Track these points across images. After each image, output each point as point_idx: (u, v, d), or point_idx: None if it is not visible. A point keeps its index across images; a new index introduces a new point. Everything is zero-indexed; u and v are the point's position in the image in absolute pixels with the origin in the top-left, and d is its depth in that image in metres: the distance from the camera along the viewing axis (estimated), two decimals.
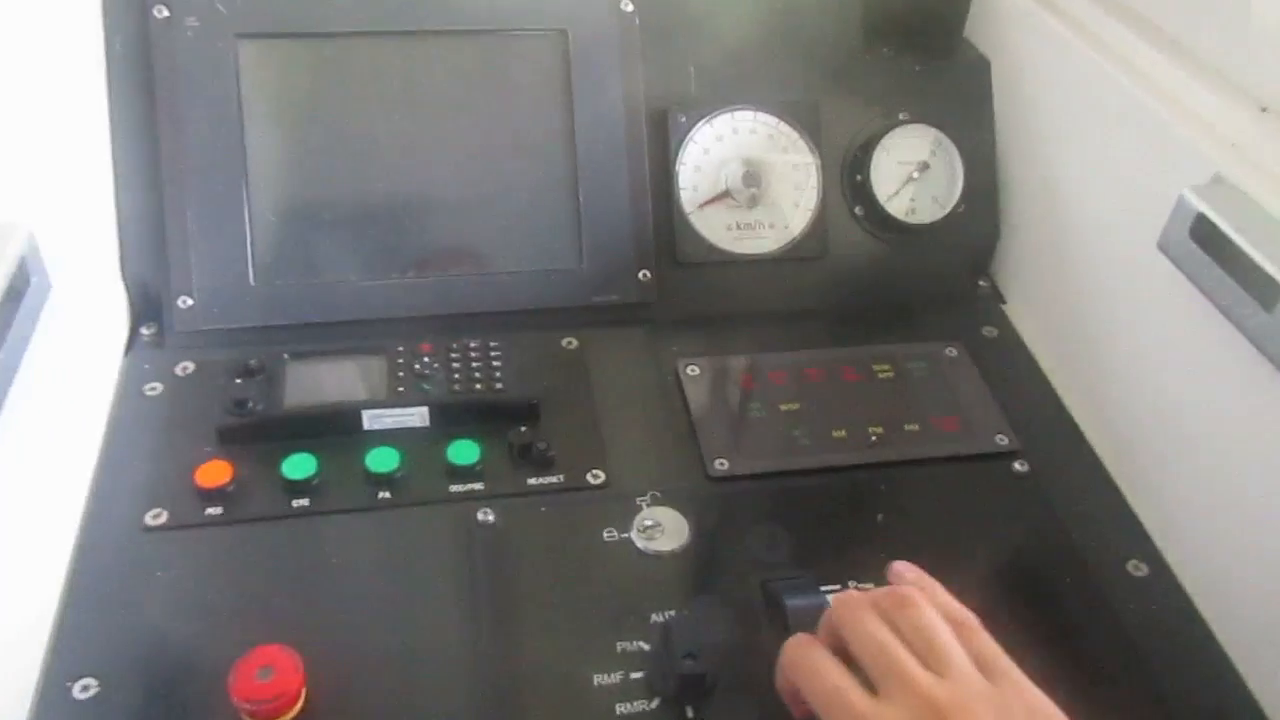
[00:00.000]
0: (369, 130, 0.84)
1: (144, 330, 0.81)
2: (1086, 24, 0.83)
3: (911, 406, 0.81)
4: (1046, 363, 0.87)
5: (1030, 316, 0.91)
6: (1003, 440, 0.79)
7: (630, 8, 0.88)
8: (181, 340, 0.80)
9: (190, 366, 0.79)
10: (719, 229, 0.89)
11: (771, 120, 0.90)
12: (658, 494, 0.72)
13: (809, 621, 0.59)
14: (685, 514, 0.71)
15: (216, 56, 0.81)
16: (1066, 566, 0.70)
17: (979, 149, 0.92)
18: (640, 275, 0.87)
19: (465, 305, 0.84)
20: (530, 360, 0.79)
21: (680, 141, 0.88)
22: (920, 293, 0.92)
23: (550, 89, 0.86)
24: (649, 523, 0.70)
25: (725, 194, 0.89)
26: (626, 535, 0.69)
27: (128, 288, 0.82)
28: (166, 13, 0.81)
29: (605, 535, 0.69)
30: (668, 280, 0.88)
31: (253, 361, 0.75)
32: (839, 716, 0.50)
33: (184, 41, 0.81)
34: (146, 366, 0.78)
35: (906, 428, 0.79)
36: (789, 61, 0.91)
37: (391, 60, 0.84)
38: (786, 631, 0.60)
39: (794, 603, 0.63)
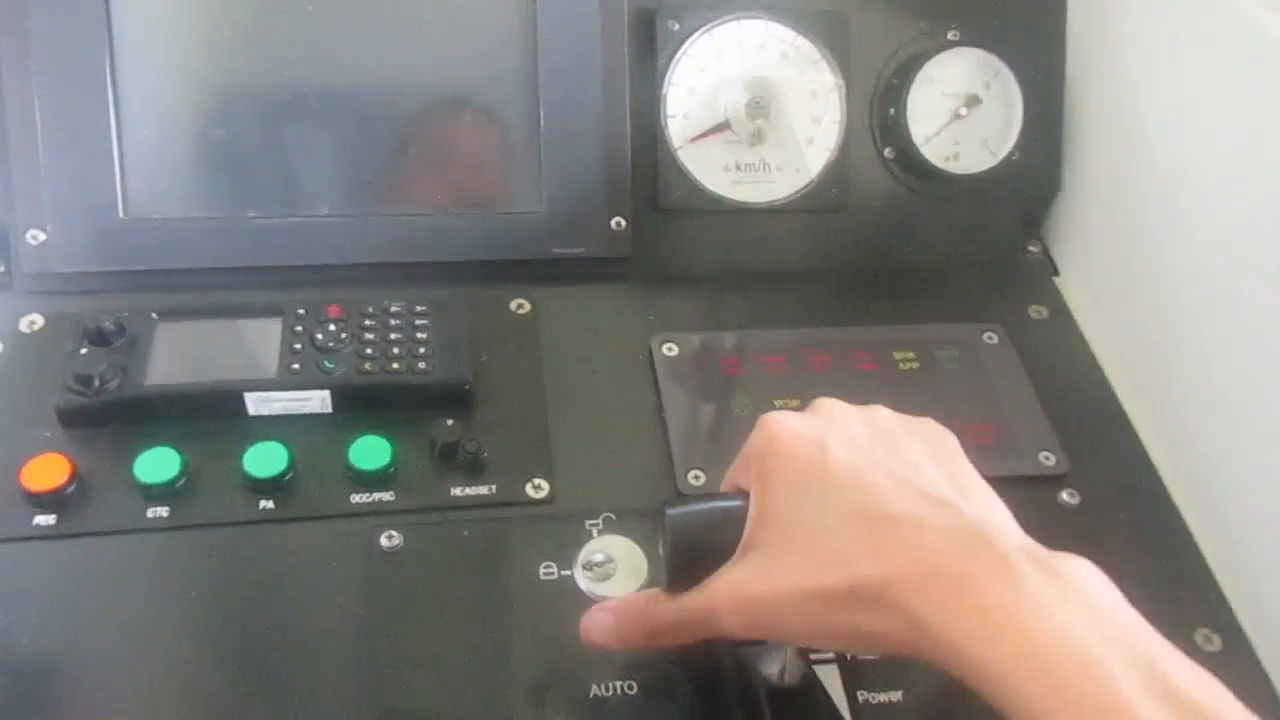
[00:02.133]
0: (274, 18, 0.66)
1: None
2: None
3: (937, 409, 0.64)
4: (1106, 358, 0.71)
5: (1089, 295, 0.74)
6: (1048, 460, 0.63)
7: None
8: (32, 284, 0.64)
9: (39, 321, 0.63)
10: (714, 169, 0.72)
11: (787, 33, 0.71)
12: (612, 516, 0.57)
13: (692, 537, 0.45)
14: (644, 546, 0.56)
15: None
16: None
17: (1044, 81, 0.74)
18: (613, 223, 0.70)
19: (390, 253, 0.68)
20: (466, 329, 0.63)
21: (671, 56, 0.70)
22: (957, 257, 0.75)
23: None
24: (599, 557, 0.55)
25: (724, 125, 0.71)
26: (568, 573, 0.55)
27: None
28: None
29: (543, 571, 0.55)
30: (646, 231, 0.71)
31: (108, 323, 0.59)
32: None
33: None
34: None
35: (920, 418, 0.63)
36: None
37: None
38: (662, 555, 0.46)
39: (674, 512, 0.46)
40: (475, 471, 0.58)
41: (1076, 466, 0.63)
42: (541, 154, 0.69)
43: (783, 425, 0.46)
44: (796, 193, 0.72)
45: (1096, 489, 0.62)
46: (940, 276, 0.74)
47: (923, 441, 0.47)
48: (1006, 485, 0.62)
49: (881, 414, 0.48)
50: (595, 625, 0.49)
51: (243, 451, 0.56)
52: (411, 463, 0.58)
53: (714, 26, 0.70)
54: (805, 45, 0.71)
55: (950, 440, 0.48)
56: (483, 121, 0.69)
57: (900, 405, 0.65)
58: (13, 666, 0.49)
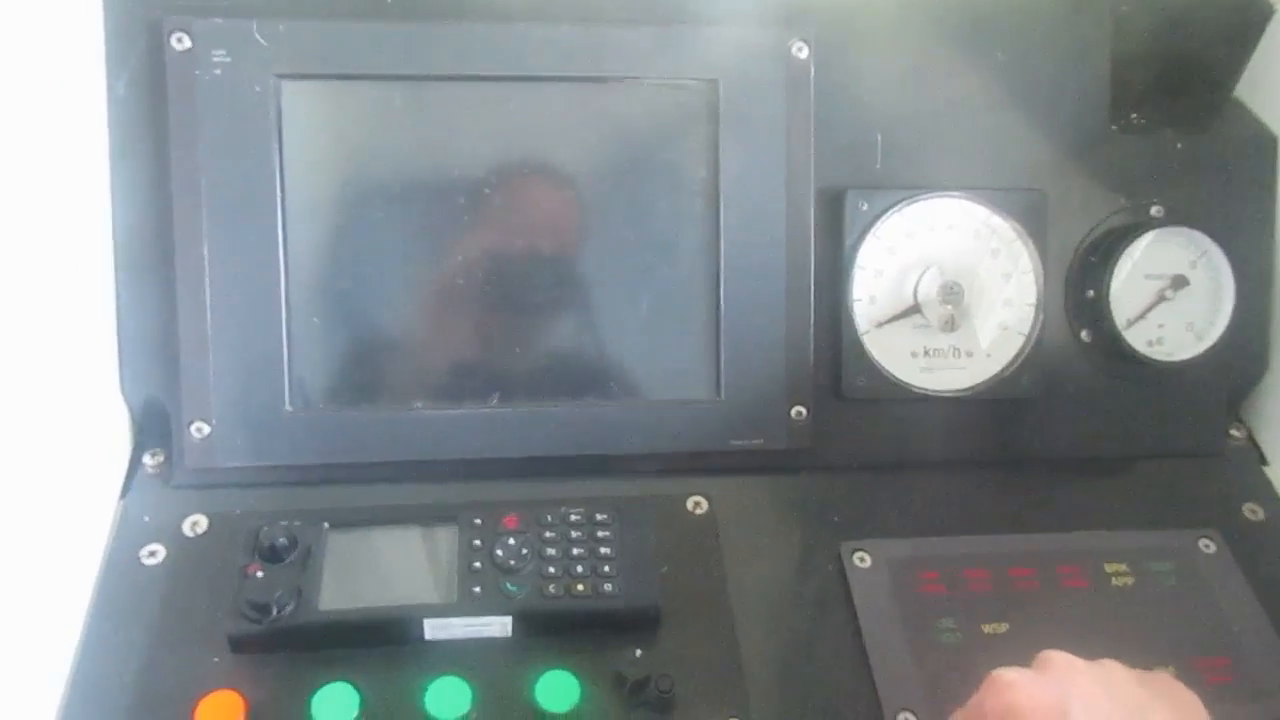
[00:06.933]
0: (448, 209, 0.63)
1: (148, 459, 0.63)
2: None
3: (1161, 635, 0.60)
4: None
5: None
6: None
7: (805, 53, 0.65)
8: (191, 478, 0.62)
9: (202, 523, 0.60)
10: (901, 355, 0.67)
11: (982, 212, 0.67)
12: None
13: None
14: None
15: (251, 103, 0.61)
16: None
17: (1256, 259, 0.69)
18: (793, 413, 0.66)
19: (560, 446, 0.64)
20: (651, 541, 0.59)
21: (859, 236, 0.66)
22: (1156, 445, 0.70)
23: (689, 158, 0.65)
24: None
25: (914, 310, 0.67)
26: None
27: (129, 405, 0.63)
28: (188, 43, 0.60)
29: None
30: (828, 420, 0.66)
31: (281, 538, 0.55)
32: None
33: (209, 82, 0.60)
34: (147, 519, 0.60)
35: (1156, 673, 0.57)
36: (1008, 132, 0.68)
37: (480, 115, 0.63)
38: None
39: None
40: (666, 710, 0.54)
41: None
42: (721, 340, 0.65)
43: (1020, 690, 0.44)
44: (988, 380, 0.67)
45: None
46: (1141, 468, 0.69)
47: (1168, 707, 0.45)
48: None
49: (1118, 674, 0.46)
50: None
51: (423, 687, 0.52)
52: (599, 700, 0.54)
53: (905, 205, 0.66)
54: (1000, 224, 0.67)
55: (1194, 705, 0.46)
56: (659, 308, 0.65)
57: (1121, 631, 0.60)
58: None
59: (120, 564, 0.57)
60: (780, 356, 0.65)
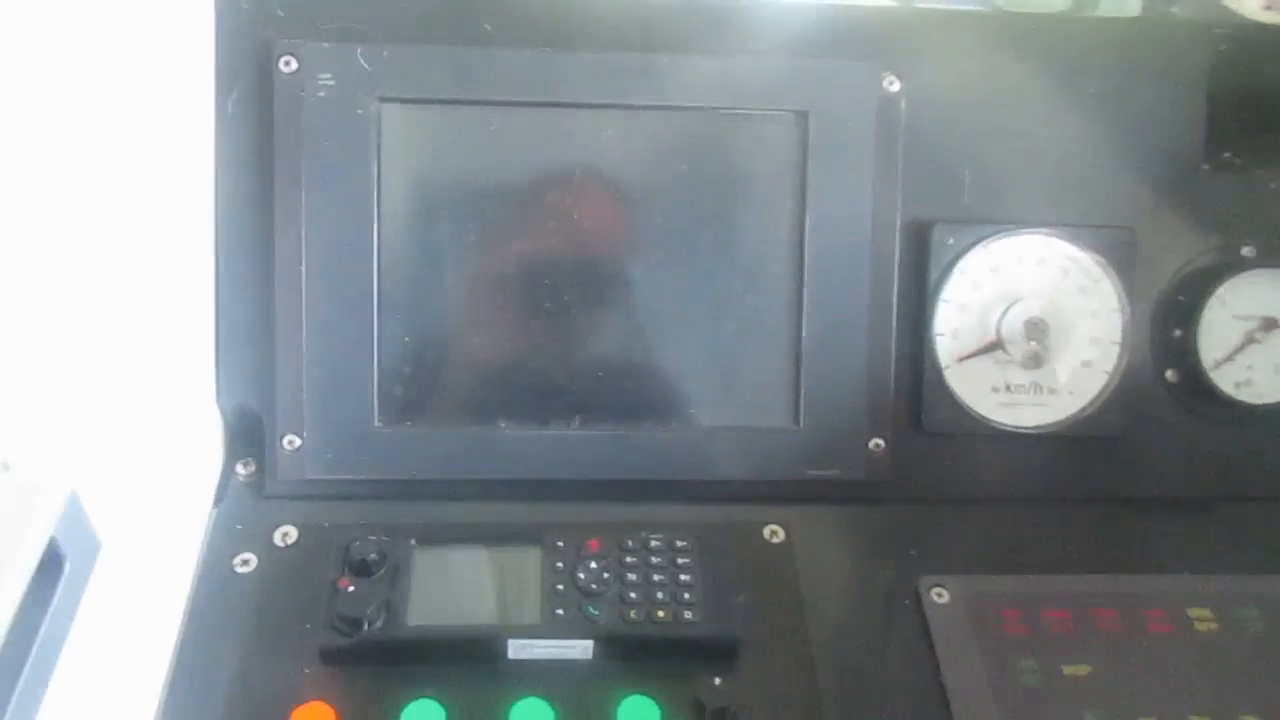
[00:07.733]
0: (539, 233, 0.64)
1: (240, 468, 0.64)
2: None
3: (1246, 683, 0.59)
4: None
5: None
6: None
7: (896, 86, 0.65)
8: (282, 489, 0.63)
9: (292, 534, 0.61)
10: (981, 390, 0.67)
11: (1069, 249, 0.66)
12: None
13: None
14: None
15: (353, 124, 0.62)
16: None
17: None
18: (872, 445, 0.66)
19: (642, 470, 0.65)
20: (731, 570, 0.59)
21: (944, 269, 0.66)
22: (1239, 487, 0.69)
23: (777, 188, 0.65)
24: None
25: (996, 345, 0.66)
26: None
27: (223, 415, 0.65)
28: (295, 66, 0.62)
29: None
30: (906, 453, 0.66)
31: (372, 554, 0.57)
32: None
33: (314, 104, 0.62)
34: (239, 527, 0.61)
35: None
36: (1098, 168, 0.67)
37: (575, 141, 0.64)
38: None
39: None
40: None
41: None
42: (801, 369, 0.65)
43: None
44: (1070, 417, 0.67)
45: None
46: (1225, 510, 0.68)
47: None
48: None
49: None
50: None
51: (507, 707, 0.53)
52: None
53: (991, 240, 0.66)
54: (1088, 261, 0.66)
55: None
56: (741, 334, 0.65)
57: (1205, 678, 0.59)
58: None
59: (214, 572, 0.59)
60: (860, 387, 0.66)
